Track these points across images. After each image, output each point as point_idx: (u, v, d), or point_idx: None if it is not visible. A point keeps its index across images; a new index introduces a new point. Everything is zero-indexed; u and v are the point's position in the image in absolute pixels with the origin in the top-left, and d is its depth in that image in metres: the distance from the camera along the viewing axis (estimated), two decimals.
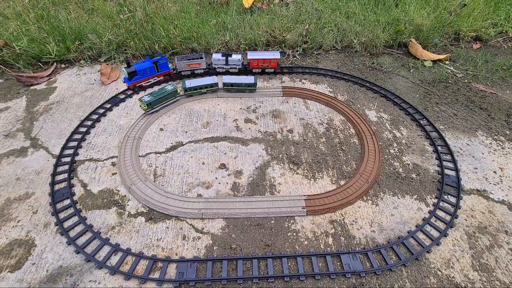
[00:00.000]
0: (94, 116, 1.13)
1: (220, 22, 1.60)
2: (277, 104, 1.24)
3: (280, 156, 1.00)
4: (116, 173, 0.92)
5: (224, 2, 1.83)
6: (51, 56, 1.39)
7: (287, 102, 1.25)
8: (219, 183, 0.90)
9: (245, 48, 1.57)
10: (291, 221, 0.81)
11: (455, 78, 1.43)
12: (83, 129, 1.07)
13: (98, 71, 1.40)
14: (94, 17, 1.62)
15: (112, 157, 0.97)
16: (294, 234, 0.78)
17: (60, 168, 0.93)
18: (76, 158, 0.97)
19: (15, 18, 1.55)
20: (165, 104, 1.19)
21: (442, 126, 1.14)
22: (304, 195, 0.86)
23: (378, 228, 0.80)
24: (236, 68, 1.36)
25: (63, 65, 1.44)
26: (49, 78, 1.36)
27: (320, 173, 0.95)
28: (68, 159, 0.95)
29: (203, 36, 1.52)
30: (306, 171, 0.95)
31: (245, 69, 1.38)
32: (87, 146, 1.02)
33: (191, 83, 1.22)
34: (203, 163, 0.96)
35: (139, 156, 0.98)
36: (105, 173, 0.92)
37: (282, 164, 0.97)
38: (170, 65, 1.33)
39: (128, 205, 0.83)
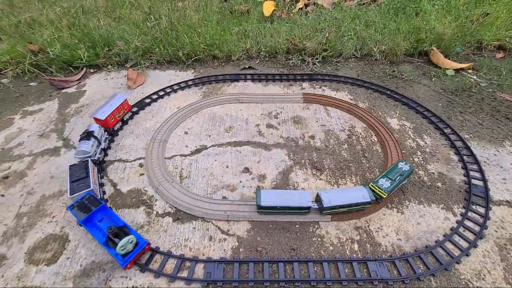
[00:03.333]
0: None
1: (241, 30, 1.64)
2: (298, 110, 1.25)
3: (303, 161, 1.01)
4: (144, 174, 0.95)
5: (245, 10, 1.88)
6: (82, 62, 1.46)
7: (308, 108, 1.27)
8: (243, 187, 0.92)
9: (265, 56, 1.60)
10: (316, 226, 0.81)
11: (478, 87, 1.41)
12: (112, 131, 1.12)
13: (125, 76, 1.45)
14: (121, 24, 1.69)
15: (140, 159, 1.01)
16: (319, 239, 0.78)
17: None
18: (107, 158, 1.01)
19: (48, 26, 1.65)
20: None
21: (467, 135, 1.13)
22: None
23: (404, 236, 0.79)
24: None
25: (91, 70, 1.51)
26: (79, 82, 1.43)
27: (343, 179, 0.95)
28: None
29: (225, 43, 1.56)
30: (329, 177, 0.95)
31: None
32: (116, 147, 1.05)
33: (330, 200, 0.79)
34: (227, 167, 0.98)
35: (165, 158, 1.01)
36: (133, 174, 0.95)
37: (304, 170, 0.98)
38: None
39: (155, 205, 0.86)
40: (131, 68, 1.47)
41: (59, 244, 0.76)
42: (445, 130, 1.13)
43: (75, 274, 0.70)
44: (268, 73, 1.48)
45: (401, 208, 0.86)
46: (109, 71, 1.51)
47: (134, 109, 1.23)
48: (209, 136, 1.11)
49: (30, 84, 1.41)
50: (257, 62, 1.60)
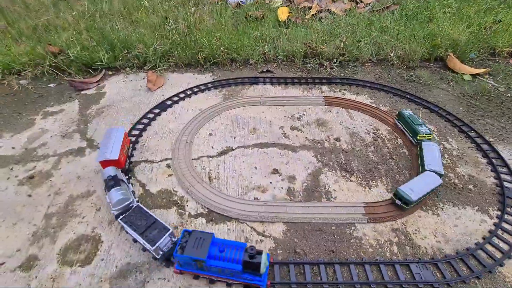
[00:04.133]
0: (145, 120, 1.17)
1: (259, 34, 1.66)
2: (320, 113, 1.25)
3: (331, 163, 1.00)
4: (172, 174, 0.94)
5: (260, 16, 1.90)
6: (102, 64, 1.46)
7: (330, 111, 1.27)
8: (274, 188, 0.90)
9: (282, 60, 1.61)
10: (352, 228, 0.80)
11: (497, 92, 1.42)
12: (135, 132, 1.11)
13: (144, 78, 1.45)
14: (138, 28, 1.70)
15: (166, 159, 1.00)
16: (357, 241, 0.77)
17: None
18: (133, 159, 0.99)
19: (66, 28, 1.65)
20: (403, 129, 1.08)
21: (492, 139, 1.12)
22: (362, 203, 0.85)
23: (443, 238, 0.78)
24: None
25: (110, 72, 1.51)
26: (98, 84, 1.43)
27: (374, 181, 0.94)
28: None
29: (243, 47, 1.57)
30: (359, 179, 0.94)
31: None
32: (141, 148, 1.04)
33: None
34: (256, 168, 0.97)
35: (192, 159, 1.00)
36: (161, 174, 0.94)
37: (334, 171, 0.97)
38: None
39: (187, 205, 0.84)
40: (150, 70, 1.47)
41: (92, 245, 0.74)
42: (470, 133, 1.13)
43: (111, 276, 0.67)
44: (287, 77, 1.48)
45: (436, 211, 0.85)
46: (127, 74, 1.50)
47: (156, 111, 1.22)
48: (234, 137, 1.10)
49: (49, 85, 1.41)
50: (274, 65, 1.60)
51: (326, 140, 1.10)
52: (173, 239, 0.67)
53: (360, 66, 1.63)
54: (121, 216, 0.71)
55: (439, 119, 1.24)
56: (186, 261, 0.61)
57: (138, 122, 1.15)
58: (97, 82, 1.43)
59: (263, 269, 0.58)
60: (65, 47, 1.48)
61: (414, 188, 0.79)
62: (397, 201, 0.81)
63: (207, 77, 1.49)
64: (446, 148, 1.08)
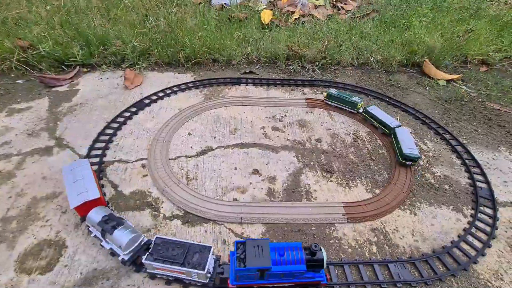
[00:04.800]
0: (120, 119, 1.12)
1: (242, 35, 1.65)
2: (302, 114, 1.25)
3: (312, 163, 0.99)
4: (147, 175, 0.90)
5: (243, 18, 1.90)
6: (76, 60, 1.39)
7: (311, 112, 1.27)
8: (254, 188, 0.88)
9: (265, 61, 1.61)
10: (332, 228, 0.79)
11: (469, 97, 1.48)
12: (109, 131, 1.05)
13: (121, 76, 1.40)
14: (116, 25, 1.64)
15: (142, 159, 0.95)
16: (337, 241, 0.76)
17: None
18: (105, 159, 0.94)
19: (39, 23, 1.57)
20: (340, 107, 1.24)
21: (466, 140, 1.16)
22: (342, 202, 0.84)
23: (420, 237, 0.78)
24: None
25: (85, 69, 1.44)
26: (71, 81, 1.35)
27: (354, 182, 0.94)
28: (96, 159, 0.92)
29: (225, 47, 1.55)
30: (339, 179, 0.94)
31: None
32: (115, 148, 0.99)
33: (372, 110, 1.16)
34: (236, 168, 0.94)
35: (169, 159, 0.96)
36: (136, 175, 0.89)
37: (315, 172, 0.96)
38: None
39: (162, 207, 0.80)
40: (128, 68, 1.42)
41: (55, 250, 0.68)
42: (445, 136, 1.17)
43: (74, 283, 0.62)
44: (269, 78, 1.48)
45: (413, 210, 0.86)
46: (104, 71, 1.44)
47: (133, 109, 1.17)
48: (214, 137, 1.07)
49: (17, 81, 1.32)
50: (257, 67, 1.60)
51: (307, 140, 1.10)
52: (214, 256, 0.61)
53: (342, 69, 1.65)
54: (144, 257, 0.59)
55: (416, 121, 1.27)
56: (249, 274, 0.54)
57: (113, 121, 1.10)
58: (70, 79, 1.36)
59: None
60: (36, 42, 1.40)
61: (410, 146, 0.96)
62: (408, 163, 0.96)
63: (188, 77, 1.45)
64: (423, 149, 1.10)
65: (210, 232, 0.75)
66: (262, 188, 0.88)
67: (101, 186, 0.83)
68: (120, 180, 0.87)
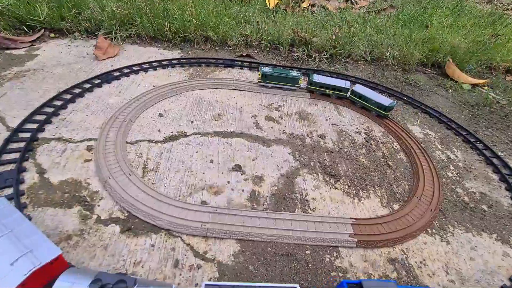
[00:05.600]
0: (77, 90, 0.89)
1: (242, 13, 1.43)
2: (303, 106, 1.03)
3: (312, 164, 0.77)
4: (91, 160, 0.67)
5: None
6: (40, 20, 1.17)
7: (315, 104, 1.05)
8: (232, 189, 0.65)
9: (266, 45, 1.39)
10: (334, 254, 0.56)
11: (499, 105, 1.27)
12: (58, 103, 0.83)
13: (94, 46, 1.17)
14: None
15: (90, 140, 0.72)
16: (341, 274, 0.53)
17: (14, 145, 0.67)
18: (40, 135, 0.71)
19: None
20: (279, 86, 1.05)
21: (501, 152, 0.95)
22: (350, 218, 0.62)
23: (457, 276, 0.56)
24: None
25: (52, 34, 1.22)
26: (32, 45, 1.13)
27: (365, 191, 0.71)
28: (27, 134, 0.70)
29: (221, 25, 1.34)
30: (347, 186, 0.72)
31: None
32: (59, 123, 0.76)
33: (319, 78, 1.03)
34: (212, 161, 0.72)
35: (127, 142, 0.74)
36: (75, 159, 0.66)
37: (315, 175, 0.74)
38: None
39: (99, 205, 0.57)
40: (101, 35, 1.19)
41: None
42: (477, 145, 0.95)
43: None
44: (268, 63, 1.26)
45: (444, 236, 0.63)
46: (75, 39, 1.22)
47: (97, 81, 0.95)
48: (192, 122, 0.85)
49: None
50: (256, 51, 1.38)
51: (308, 135, 0.88)
52: None
53: (353, 63, 1.44)
54: None
55: (440, 125, 1.05)
56: None
57: (67, 91, 0.88)
58: (30, 42, 1.14)
59: None
60: None
61: (383, 98, 0.96)
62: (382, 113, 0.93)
63: (174, 54, 1.23)
64: (450, 158, 0.88)
65: (159, 247, 0.52)
66: (243, 190, 0.66)
67: (21, 171, 0.61)
68: (51, 164, 0.64)
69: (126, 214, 0.56)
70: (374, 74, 1.38)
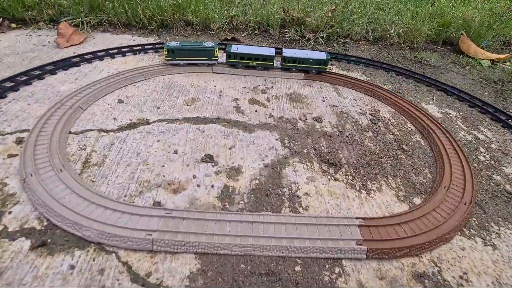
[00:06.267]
0: (23, 78, 0.75)
1: None
2: (296, 87, 0.87)
3: (305, 151, 0.61)
4: (17, 154, 0.52)
5: None
6: (3, 11, 1.04)
7: (309, 85, 0.89)
8: (198, 186, 0.50)
9: (254, 28, 1.25)
10: (336, 270, 0.39)
11: None
12: None
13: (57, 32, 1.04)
14: None
15: (23, 131, 0.58)
16: None
17: None
18: None
19: None
20: (193, 62, 0.88)
21: None
22: (356, 218, 0.45)
23: None
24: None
25: (14, 25, 1.09)
26: None
27: (374, 182, 0.55)
28: None
29: (202, 7, 1.20)
30: (351, 176, 0.55)
31: None
32: None
33: (238, 49, 0.87)
34: (176, 152, 0.57)
35: (70, 132, 0.59)
36: None
37: (309, 164, 0.57)
38: None
39: (10, 212, 0.42)
40: (65, 21, 1.06)
41: None
42: (510, 122, 0.78)
43: None
44: (255, 45, 1.11)
45: (488, 238, 0.46)
46: (39, 29, 1.09)
47: (50, 68, 0.81)
48: (157, 108, 0.70)
49: None
50: (243, 35, 1.24)
51: (300, 119, 0.72)
52: None
53: (352, 43, 1.28)
54: None
55: (461, 103, 0.88)
56: None
57: (10, 79, 0.73)
58: None
59: None
60: None
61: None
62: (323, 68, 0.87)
63: (150, 41, 1.09)
64: (479, 139, 0.71)
65: (81, 269, 0.36)
66: (212, 186, 0.50)
67: None
68: None
69: (45, 224, 0.41)
70: (378, 53, 1.22)
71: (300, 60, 0.87)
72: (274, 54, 0.87)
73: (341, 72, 1.00)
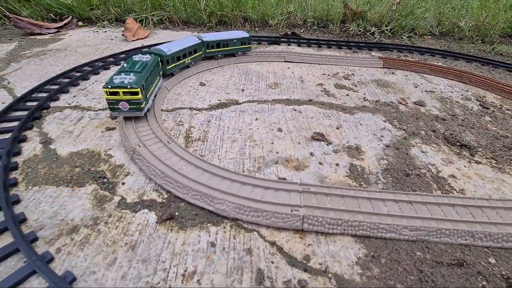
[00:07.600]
0: (100, 64, 0.74)
1: None
2: (378, 74, 0.80)
3: (423, 133, 0.52)
4: (115, 128, 0.48)
5: None
6: (69, 8, 1.07)
7: (392, 73, 0.82)
8: (321, 163, 0.42)
9: (312, 23, 1.20)
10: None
11: None
12: (78, 74, 0.67)
13: (123, 31, 1.05)
14: None
15: None
16: None
17: (17, 113, 0.50)
18: (53, 104, 0.54)
19: None
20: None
21: None
22: None
23: None
24: None
25: (81, 23, 1.12)
26: (58, 31, 1.03)
27: None
28: (34, 103, 0.53)
29: (261, 3, 1.18)
30: (493, 160, 0.46)
31: None
32: (78, 92, 0.60)
33: (170, 48, 0.66)
34: (280, 130, 0.50)
35: (162, 110, 0.54)
36: (94, 127, 0.48)
37: (434, 145, 0.49)
38: None
39: (123, 183, 0.37)
40: (130, 17, 1.07)
41: None
42: None
43: None
44: (320, 39, 1.06)
45: None
46: (104, 26, 1.11)
47: (122, 56, 0.80)
48: (243, 90, 0.65)
49: None
50: (301, 31, 1.20)
51: (400, 103, 0.64)
52: None
53: (417, 38, 1.20)
54: None
55: None
56: None
57: (88, 64, 0.72)
58: (57, 28, 1.04)
59: None
60: None
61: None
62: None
63: None
64: None
65: (224, 248, 0.29)
66: (337, 165, 0.42)
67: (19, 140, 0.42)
68: (61, 133, 0.46)
69: (166, 196, 0.35)
70: (449, 47, 1.13)
71: (225, 43, 0.76)
72: (199, 42, 0.73)
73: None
